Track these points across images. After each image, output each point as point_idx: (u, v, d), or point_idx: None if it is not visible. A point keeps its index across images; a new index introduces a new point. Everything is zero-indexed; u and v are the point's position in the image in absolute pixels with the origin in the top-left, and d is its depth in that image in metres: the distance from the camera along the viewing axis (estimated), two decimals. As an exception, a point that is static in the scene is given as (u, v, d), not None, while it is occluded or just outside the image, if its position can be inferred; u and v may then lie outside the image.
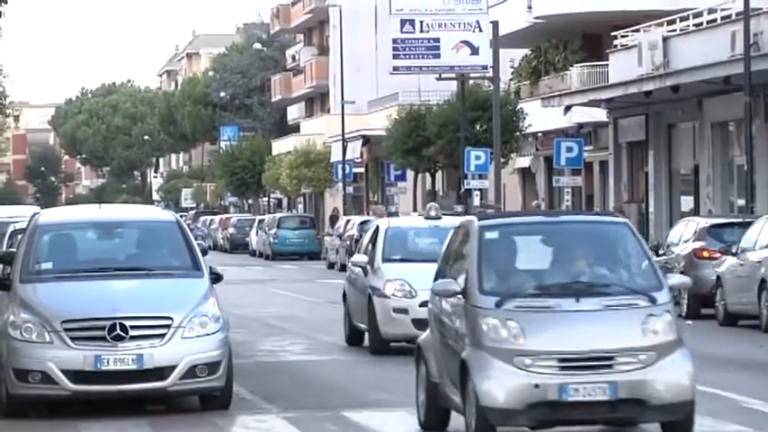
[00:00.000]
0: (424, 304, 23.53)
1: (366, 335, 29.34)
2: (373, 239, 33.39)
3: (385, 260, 27.41)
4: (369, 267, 27.87)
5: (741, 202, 48.81)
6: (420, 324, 24.68)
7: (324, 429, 20.04)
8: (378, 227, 28.91)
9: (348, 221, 76.07)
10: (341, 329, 39.50)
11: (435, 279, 26.25)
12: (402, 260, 28.34)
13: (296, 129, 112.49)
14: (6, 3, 31.48)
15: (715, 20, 53.83)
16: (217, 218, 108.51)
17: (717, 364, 30.91)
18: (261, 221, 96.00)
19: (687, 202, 54.92)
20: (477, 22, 70.37)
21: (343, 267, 72.65)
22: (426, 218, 30.04)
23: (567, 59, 71.37)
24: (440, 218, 29.76)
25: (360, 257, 30.40)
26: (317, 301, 49.37)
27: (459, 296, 19.91)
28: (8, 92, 62.01)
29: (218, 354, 22.01)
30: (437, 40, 70.43)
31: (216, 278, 23.51)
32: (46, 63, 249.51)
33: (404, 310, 26.54)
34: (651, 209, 56.90)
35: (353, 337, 31.16)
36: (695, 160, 57.89)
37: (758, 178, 48.11)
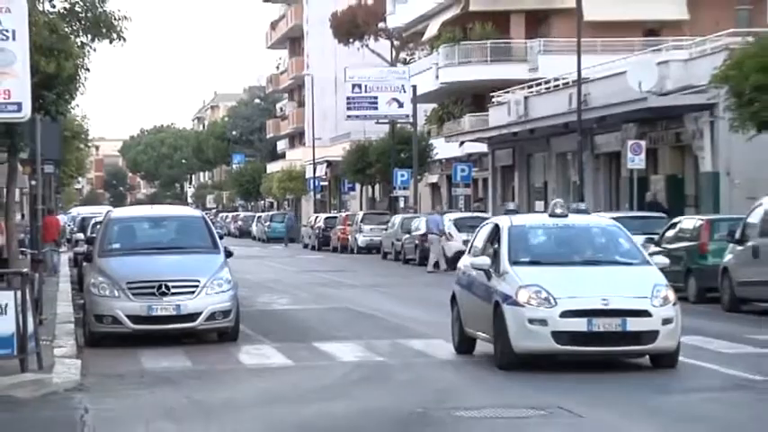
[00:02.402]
0: (566, 314, 17.38)
1: (477, 342, 19.76)
2: (492, 239, 20.71)
3: (513, 263, 17.15)
4: (492, 271, 17.57)
5: (574, 206, 47.56)
6: (561, 337, 17.31)
7: (300, 354, 20.32)
8: (497, 225, 19.96)
9: (317, 217, 75.09)
10: (315, 288, 37.37)
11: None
12: (532, 263, 19.08)
13: (283, 156, 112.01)
14: (124, 39, 30.41)
15: (558, 85, 53.14)
16: (230, 214, 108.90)
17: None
18: (259, 217, 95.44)
19: (540, 206, 54.12)
20: (403, 86, 70.49)
21: (314, 248, 71.41)
22: (551, 215, 18.33)
23: (461, 111, 70.76)
24: (566, 215, 18.46)
25: (482, 260, 17.56)
26: (297, 270, 48.70)
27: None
28: (90, 130, 60.44)
29: (230, 305, 22.22)
30: (376, 98, 70.71)
31: (228, 254, 23.94)
32: (115, 107, 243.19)
33: (542, 321, 17.43)
34: (543, 209, 55.83)
35: (464, 345, 20.59)
36: (545, 178, 57.17)
37: (585, 190, 47.34)
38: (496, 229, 19.84)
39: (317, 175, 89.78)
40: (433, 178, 74.98)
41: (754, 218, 27.61)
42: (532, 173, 59.34)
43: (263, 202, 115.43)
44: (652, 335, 17.26)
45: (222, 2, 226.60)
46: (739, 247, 27.90)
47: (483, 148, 64.30)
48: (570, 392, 15.57)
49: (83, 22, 29.77)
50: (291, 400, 16.04)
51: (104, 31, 29.88)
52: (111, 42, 30.16)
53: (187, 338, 21.52)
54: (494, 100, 62.71)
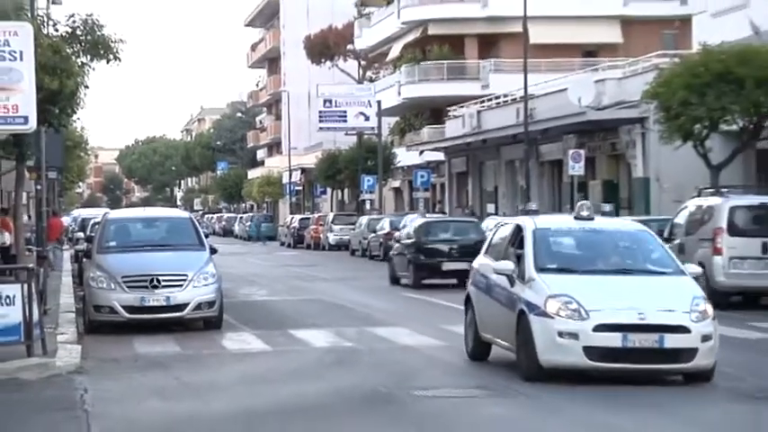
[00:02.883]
0: (599, 328, 15.06)
1: (492, 347, 17.56)
2: (513, 241, 18.11)
3: (539, 270, 16.00)
4: (516, 277, 15.29)
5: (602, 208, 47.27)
6: (593, 352, 15.07)
7: (277, 341, 20.38)
8: (520, 227, 17.29)
9: (292, 218, 74.95)
10: (290, 281, 37.00)
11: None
12: (560, 270, 16.55)
13: (262, 163, 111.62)
14: (119, 59, 30.34)
15: (507, 100, 53.18)
16: (215, 216, 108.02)
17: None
18: (241, 218, 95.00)
19: (491, 208, 53.98)
20: (369, 101, 70.63)
21: (290, 246, 70.51)
22: (576, 217, 15.65)
23: (421, 123, 70.77)
24: (592, 218, 17.02)
25: (505, 264, 15.63)
26: (275, 265, 48.57)
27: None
28: (89, 140, 60.16)
29: (214, 296, 22.18)
30: (345, 112, 70.93)
31: (213, 251, 23.83)
32: (112, 119, 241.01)
33: (573, 335, 15.65)
34: (495, 211, 55.40)
35: (478, 351, 17.90)
36: (495, 183, 57.10)
37: (531, 194, 47.26)
38: (518, 230, 17.20)
39: (292, 180, 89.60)
40: (396, 183, 74.94)
41: (681, 219, 27.78)
42: (484, 178, 59.32)
43: (244, 204, 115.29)
44: (691, 353, 14.91)
45: (208, 26, 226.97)
46: (668, 244, 28.22)
47: (440, 156, 64.26)
48: (514, 372, 15.39)
49: (83, 45, 29.73)
50: (269, 381, 16.13)
51: (102, 52, 29.83)
52: (108, 62, 30.11)
53: (176, 326, 21.44)
54: (450, 113, 62.69)
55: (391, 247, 48.78)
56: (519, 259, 16.50)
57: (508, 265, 16.45)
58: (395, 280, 35.58)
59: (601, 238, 17.45)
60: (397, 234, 41.99)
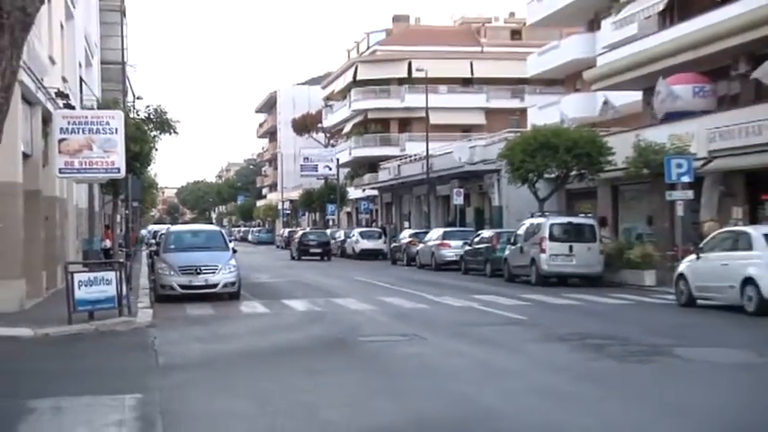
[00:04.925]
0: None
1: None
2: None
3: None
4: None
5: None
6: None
7: (274, 306, 20.18)
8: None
9: (283, 231, 74.54)
10: (281, 270, 36.37)
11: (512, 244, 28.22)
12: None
13: (265, 197, 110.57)
14: (177, 133, 30.26)
15: (416, 158, 53.20)
16: (236, 229, 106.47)
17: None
18: (252, 230, 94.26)
19: (406, 224, 53.96)
20: (332, 158, 70.18)
21: (282, 248, 67.18)
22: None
23: (363, 172, 70.24)
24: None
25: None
26: (272, 259, 48.29)
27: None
28: (158, 182, 59.54)
29: (235, 279, 22.02)
30: (316, 165, 70.55)
31: (234, 251, 22.92)
32: (172, 168, 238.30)
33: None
34: (408, 226, 55.34)
35: None
36: (409, 209, 56.87)
37: (431, 216, 47.28)
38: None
39: (284, 207, 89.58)
40: (348, 209, 74.95)
41: (521, 231, 27.96)
42: (402, 206, 59.35)
43: (254, 222, 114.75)
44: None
45: (232, 111, 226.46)
46: (513, 247, 28.24)
47: (375, 192, 64.44)
48: (422, 327, 15.57)
49: (154, 124, 29.70)
50: (268, 331, 15.91)
51: (166, 128, 29.82)
52: (169, 134, 30.09)
53: (211, 298, 21.34)
54: (381, 166, 62.95)
55: (344, 248, 49.51)
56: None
57: None
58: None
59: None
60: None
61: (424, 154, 48.17)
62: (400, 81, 66.58)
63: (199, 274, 21.48)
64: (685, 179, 23.58)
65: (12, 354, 13.18)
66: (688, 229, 25.10)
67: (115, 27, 36.30)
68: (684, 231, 24.71)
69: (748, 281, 17.10)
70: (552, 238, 25.95)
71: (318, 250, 47.76)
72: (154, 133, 29.74)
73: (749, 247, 17.54)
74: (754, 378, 10.54)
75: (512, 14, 74.65)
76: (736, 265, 17.59)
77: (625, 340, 13.60)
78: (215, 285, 21.48)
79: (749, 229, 19.09)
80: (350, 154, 70.82)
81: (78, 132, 18.77)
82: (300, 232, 55.68)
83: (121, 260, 20.67)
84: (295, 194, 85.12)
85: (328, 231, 57.02)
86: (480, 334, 14.78)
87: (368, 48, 75.06)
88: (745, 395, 9.51)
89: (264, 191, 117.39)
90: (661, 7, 32.08)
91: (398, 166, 58.11)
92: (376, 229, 53.85)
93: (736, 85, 29.76)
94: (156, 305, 19.92)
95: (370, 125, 70.10)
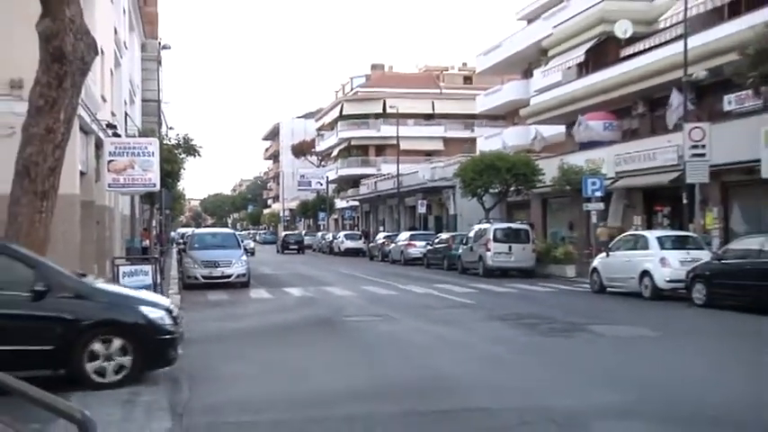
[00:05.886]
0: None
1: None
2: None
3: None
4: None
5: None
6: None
7: (276, 292, 19.96)
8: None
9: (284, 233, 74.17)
10: (282, 264, 35.90)
11: (464, 244, 27.69)
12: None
13: (270, 206, 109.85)
14: (200, 155, 30.27)
15: (389, 176, 53.19)
16: (245, 232, 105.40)
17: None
18: (259, 233, 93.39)
19: (381, 229, 53.85)
20: (323, 176, 69.67)
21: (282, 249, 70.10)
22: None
23: (348, 187, 70.21)
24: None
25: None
26: (276, 256, 48.05)
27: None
28: (185, 194, 59.31)
29: (246, 271, 21.83)
30: (310, 181, 70.05)
31: (245, 250, 22.82)
32: (197, 182, 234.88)
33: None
34: (383, 230, 55.28)
35: None
36: (384, 217, 56.86)
37: (401, 223, 47.32)
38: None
39: (285, 214, 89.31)
40: (335, 216, 74.85)
41: (471, 234, 27.92)
42: (378, 215, 59.40)
43: (261, 226, 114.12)
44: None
45: (243, 138, 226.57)
46: (465, 246, 28.24)
47: (357, 203, 64.51)
48: (392, 309, 15.57)
49: (182, 148, 29.62)
50: (271, 312, 15.84)
51: (191, 152, 29.73)
52: (194, 156, 30.03)
53: (226, 286, 21.29)
54: (362, 182, 62.94)
55: (332, 247, 49.41)
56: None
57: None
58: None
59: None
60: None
61: (396, 173, 48.31)
62: (377, 116, 66.55)
63: (217, 267, 21.23)
64: (598, 194, 24.00)
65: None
66: (599, 234, 25.48)
67: (153, 73, 36.16)
68: (596, 235, 25.10)
69: (645, 273, 17.41)
70: (495, 239, 25.85)
71: (295, 246, 53.69)
72: (182, 156, 29.72)
73: (646, 247, 17.79)
74: (649, 347, 10.63)
75: (464, 64, 74.86)
76: (636, 261, 17.79)
77: (551, 319, 13.56)
78: (230, 276, 21.22)
79: (646, 233, 19.46)
80: (336, 173, 70.40)
81: (123, 155, 18.69)
82: (283, 234, 62.34)
83: (156, 256, 20.36)
84: (293, 204, 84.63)
85: (314, 233, 58.28)
86: (438, 315, 14.70)
87: (351, 89, 74.26)
88: (641, 359, 9.61)
89: (269, 201, 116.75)
90: (579, 60, 32.63)
91: (375, 182, 58.12)
92: (357, 233, 53.79)
93: (636, 122, 30.40)
94: (184, 292, 19.63)
95: (352, 150, 69.87)
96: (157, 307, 8.19)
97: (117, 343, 7.75)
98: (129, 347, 7.77)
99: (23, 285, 7.38)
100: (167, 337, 8.02)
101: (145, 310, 7.98)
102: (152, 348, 7.88)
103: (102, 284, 8.54)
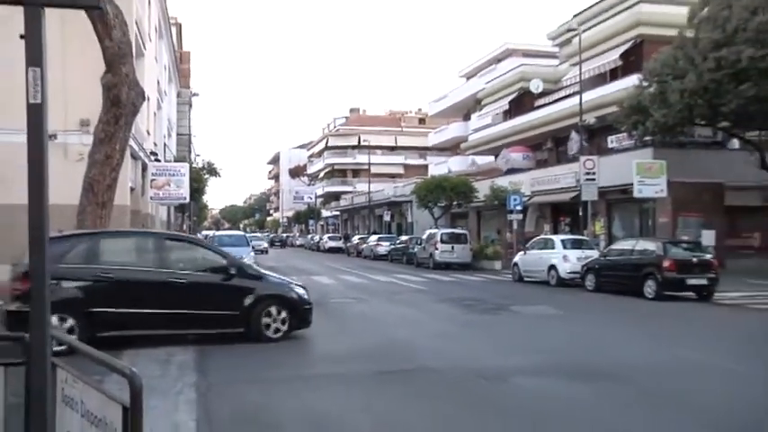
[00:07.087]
0: None
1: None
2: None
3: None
4: None
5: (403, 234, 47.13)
6: None
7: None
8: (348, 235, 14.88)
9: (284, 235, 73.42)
10: (284, 259, 34.34)
11: (419, 244, 25.80)
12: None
13: (272, 215, 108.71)
14: (220, 176, 29.77)
15: (362, 193, 53.17)
16: (251, 235, 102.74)
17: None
18: (262, 236, 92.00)
19: (356, 234, 53.68)
20: (312, 193, 68.77)
21: (282, 247, 64.38)
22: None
23: (331, 201, 69.73)
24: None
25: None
26: (277, 253, 47.55)
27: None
28: (208, 204, 58.56)
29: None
30: (303, 197, 68.71)
31: (253, 248, 22.24)
32: (216, 195, 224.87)
33: None
34: (357, 234, 55.18)
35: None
36: (357, 224, 56.65)
37: (370, 228, 47.23)
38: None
39: (283, 221, 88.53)
40: (322, 222, 74.42)
41: (424, 237, 27.60)
42: (354, 222, 59.15)
43: (265, 230, 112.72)
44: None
45: (252, 163, 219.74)
46: (419, 246, 28.05)
47: (338, 213, 64.36)
48: (365, 293, 15.41)
49: (207, 170, 29.26)
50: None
51: (213, 173, 29.40)
52: (215, 177, 29.70)
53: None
54: (342, 197, 62.86)
55: (318, 246, 48.98)
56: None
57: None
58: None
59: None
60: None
61: (367, 191, 48.46)
62: (353, 147, 66.92)
63: (236, 258, 21.20)
64: (518, 208, 24.23)
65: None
66: (518, 237, 25.88)
67: (185, 113, 35.96)
68: (516, 238, 25.50)
69: (552, 267, 17.53)
70: (442, 241, 25.38)
71: (279, 243, 58.31)
72: (206, 176, 29.38)
73: (553, 247, 17.92)
74: (555, 321, 10.67)
75: (419, 109, 75.09)
76: (545, 257, 17.88)
77: (483, 301, 13.44)
78: (242, 266, 21.19)
79: (553, 236, 19.63)
80: (323, 190, 69.94)
81: (162, 176, 18.57)
82: (270, 236, 63.86)
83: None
84: (290, 213, 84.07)
85: (305, 235, 57.87)
86: (399, 298, 14.43)
87: (335, 127, 73.95)
88: (549, 330, 9.68)
89: (272, 211, 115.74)
90: (504, 108, 33.24)
91: (352, 197, 57.82)
92: (338, 235, 53.48)
93: (546, 154, 31.02)
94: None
95: (335, 173, 69.90)
96: (300, 287, 8.74)
97: (281, 311, 8.32)
98: (287, 314, 8.34)
99: (219, 270, 8.10)
100: (308, 306, 8.64)
101: (296, 288, 8.61)
102: (300, 315, 8.48)
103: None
